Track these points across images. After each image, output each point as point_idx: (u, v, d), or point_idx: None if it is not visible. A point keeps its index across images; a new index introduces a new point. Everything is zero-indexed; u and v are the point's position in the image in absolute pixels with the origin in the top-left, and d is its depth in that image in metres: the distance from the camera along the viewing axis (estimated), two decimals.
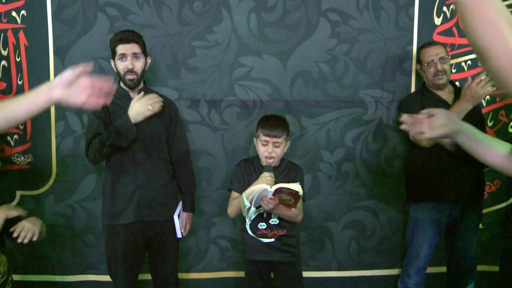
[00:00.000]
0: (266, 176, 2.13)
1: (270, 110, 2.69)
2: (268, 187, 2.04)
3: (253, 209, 2.13)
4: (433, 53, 2.47)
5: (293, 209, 2.12)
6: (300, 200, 2.21)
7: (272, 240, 2.21)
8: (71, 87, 1.29)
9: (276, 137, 2.17)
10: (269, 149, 2.18)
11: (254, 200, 2.07)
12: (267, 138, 2.18)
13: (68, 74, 1.29)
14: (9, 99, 1.31)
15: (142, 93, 2.24)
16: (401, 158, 2.80)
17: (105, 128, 2.22)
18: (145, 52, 2.30)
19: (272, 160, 2.19)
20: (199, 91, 2.68)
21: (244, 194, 2.08)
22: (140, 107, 2.17)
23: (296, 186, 2.01)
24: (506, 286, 1.79)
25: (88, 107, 1.33)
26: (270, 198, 2.05)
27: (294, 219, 2.23)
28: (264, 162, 2.22)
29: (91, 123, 2.27)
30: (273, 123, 2.21)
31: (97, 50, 2.60)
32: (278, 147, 2.19)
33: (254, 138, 2.28)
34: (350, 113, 2.77)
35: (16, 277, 2.70)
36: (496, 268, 2.89)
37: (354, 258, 2.89)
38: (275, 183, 2.15)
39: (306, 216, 2.76)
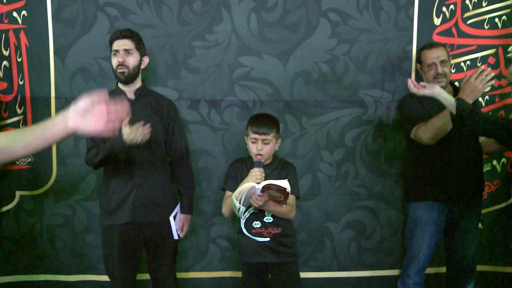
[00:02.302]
0: (256, 171, 2.15)
1: (270, 110, 2.69)
2: (255, 184, 2.06)
3: (243, 208, 2.15)
4: (434, 56, 2.46)
5: (284, 205, 2.13)
6: (293, 197, 2.24)
7: (267, 239, 2.22)
8: (86, 115, 1.22)
9: (264, 134, 2.20)
10: (259, 146, 2.21)
11: (243, 199, 2.08)
12: (256, 136, 2.21)
13: (82, 103, 1.22)
14: (25, 128, 1.27)
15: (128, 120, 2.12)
16: (401, 158, 2.80)
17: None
18: (140, 50, 2.30)
19: (261, 156, 2.21)
20: (199, 91, 2.69)
21: (233, 196, 2.10)
22: (129, 137, 2.07)
23: (284, 183, 2.03)
24: None
25: (106, 133, 1.26)
26: (259, 195, 2.07)
27: (287, 216, 2.25)
28: (255, 159, 2.23)
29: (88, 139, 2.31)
30: (262, 121, 2.24)
31: (97, 50, 2.60)
32: (267, 144, 2.22)
33: (245, 137, 2.30)
34: (350, 113, 2.78)
35: (16, 277, 2.71)
36: (496, 268, 2.90)
37: (354, 258, 2.89)
38: (267, 180, 2.15)
39: (306, 216, 2.78)
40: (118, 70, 2.24)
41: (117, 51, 2.24)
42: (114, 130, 1.27)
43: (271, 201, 2.14)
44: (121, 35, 2.25)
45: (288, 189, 2.03)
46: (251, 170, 2.18)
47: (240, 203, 2.10)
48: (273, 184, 2.03)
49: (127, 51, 2.24)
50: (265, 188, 2.05)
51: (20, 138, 1.26)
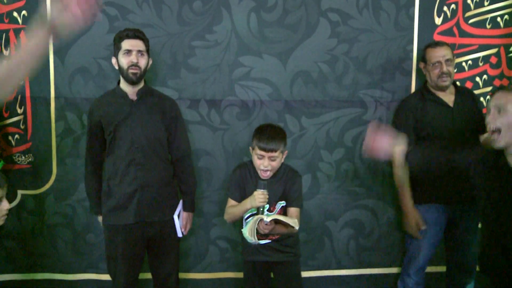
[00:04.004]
0: (259, 194, 2.07)
1: (270, 110, 2.70)
2: (264, 217, 2.02)
3: (256, 241, 2.12)
4: (440, 54, 2.45)
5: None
6: (298, 210, 2.21)
7: (269, 241, 2.22)
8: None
9: (272, 151, 2.13)
10: (265, 163, 2.15)
11: (253, 231, 2.07)
12: (262, 153, 2.13)
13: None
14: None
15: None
16: None
17: (102, 141, 2.31)
18: (148, 52, 2.30)
19: (268, 173, 2.18)
20: (199, 91, 2.68)
21: (247, 233, 2.07)
22: None
23: (292, 222, 2.00)
24: None
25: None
26: (266, 224, 2.03)
27: (291, 233, 2.21)
28: (260, 174, 2.19)
29: (87, 144, 2.37)
30: (269, 136, 2.14)
31: (96, 49, 2.60)
32: (274, 160, 2.15)
33: (250, 148, 2.26)
34: (350, 113, 2.77)
35: (17, 276, 2.74)
36: None
37: (353, 257, 2.90)
38: (272, 191, 2.14)
39: (305, 216, 2.78)
40: (131, 71, 2.22)
41: (129, 51, 2.21)
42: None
43: (277, 226, 2.10)
44: (135, 35, 2.22)
45: (296, 228, 2.00)
46: (255, 192, 2.09)
47: (252, 237, 2.07)
48: (282, 221, 2.01)
49: (140, 52, 2.24)
50: (273, 221, 2.03)
51: (14, 61, 1.35)
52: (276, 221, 2.06)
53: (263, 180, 2.14)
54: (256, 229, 2.08)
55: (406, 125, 2.50)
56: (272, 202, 2.19)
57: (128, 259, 2.27)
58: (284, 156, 2.24)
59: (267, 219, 2.00)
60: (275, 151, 2.13)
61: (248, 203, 2.13)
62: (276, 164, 2.17)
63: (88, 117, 2.33)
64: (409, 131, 2.46)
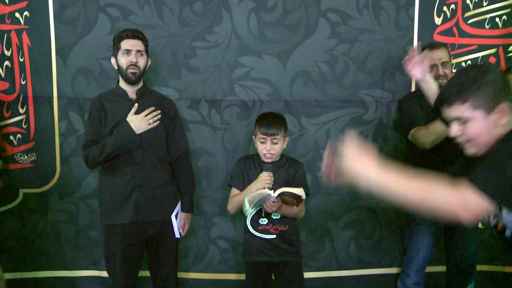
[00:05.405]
0: (265, 176, 2.15)
1: (270, 110, 2.68)
2: (271, 192, 2.05)
3: (253, 212, 2.14)
4: (436, 57, 2.46)
5: (295, 207, 2.14)
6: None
7: (274, 236, 2.22)
8: None
9: (273, 134, 2.19)
10: (268, 146, 2.20)
11: (255, 203, 2.08)
12: (265, 136, 2.20)
13: None
14: None
15: (136, 105, 2.25)
16: (401, 158, 2.80)
17: (102, 132, 2.27)
18: (147, 52, 2.33)
19: (271, 156, 2.21)
20: (200, 91, 2.70)
21: (246, 199, 2.08)
22: (141, 123, 2.21)
23: (299, 191, 2.02)
24: None
25: None
26: (273, 201, 2.07)
27: (297, 216, 2.27)
28: (263, 159, 2.24)
29: (88, 130, 2.32)
30: (271, 120, 2.23)
31: (98, 50, 2.62)
32: (276, 143, 2.21)
33: (253, 136, 2.31)
34: (350, 113, 2.78)
35: (19, 273, 2.75)
36: (496, 268, 2.89)
37: (354, 257, 2.90)
38: (276, 179, 2.17)
39: (306, 216, 2.77)
40: (130, 70, 2.24)
41: (129, 50, 2.24)
42: None
43: (283, 205, 2.14)
44: (134, 35, 2.25)
45: (303, 197, 2.03)
46: (261, 175, 2.18)
47: (251, 208, 2.10)
48: (288, 192, 2.03)
49: (139, 52, 2.26)
50: (280, 195, 2.05)
51: None
52: (283, 201, 2.10)
53: (268, 163, 2.21)
54: (261, 208, 2.13)
55: (418, 109, 2.48)
56: (276, 188, 2.18)
57: (126, 259, 2.27)
58: (286, 143, 2.29)
59: (275, 194, 2.04)
60: (277, 134, 2.20)
61: (254, 186, 2.18)
62: (278, 147, 2.23)
63: (90, 109, 2.32)
64: (421, 116, 2.46)
